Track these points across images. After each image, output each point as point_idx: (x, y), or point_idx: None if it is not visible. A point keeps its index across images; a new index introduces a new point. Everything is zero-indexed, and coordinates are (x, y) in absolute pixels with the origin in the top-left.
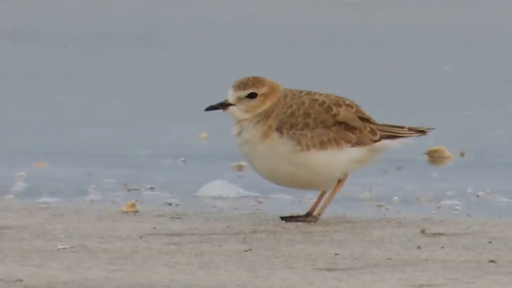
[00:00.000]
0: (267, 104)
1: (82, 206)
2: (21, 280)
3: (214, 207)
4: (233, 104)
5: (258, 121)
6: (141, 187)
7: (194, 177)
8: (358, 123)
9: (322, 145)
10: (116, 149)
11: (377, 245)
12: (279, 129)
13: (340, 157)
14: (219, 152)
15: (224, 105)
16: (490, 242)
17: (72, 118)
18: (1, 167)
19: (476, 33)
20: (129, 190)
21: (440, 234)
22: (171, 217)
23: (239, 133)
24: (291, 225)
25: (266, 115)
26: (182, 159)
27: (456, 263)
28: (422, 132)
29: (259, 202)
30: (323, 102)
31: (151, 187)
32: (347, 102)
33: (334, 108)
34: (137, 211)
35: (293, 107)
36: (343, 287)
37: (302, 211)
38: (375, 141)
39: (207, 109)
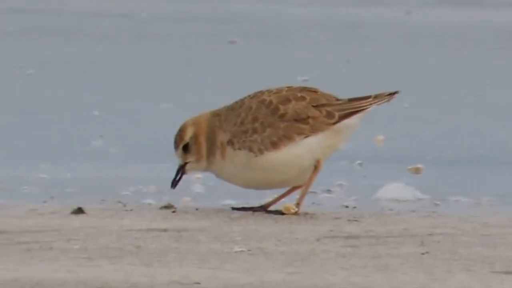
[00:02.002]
0: (201, 141)
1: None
2: (199, 283)
3: (391, 209)
4: (186, 163)
5: (214, 156)
6: (318, 189)
7: (371, 180)
8: (311, 113)
9: (274, 145)
10: None
11: None
12: (230, 142)
13: (297, 151)
14: (396, 155)
15: (182, 169)
16: None
17: None
18: None
19: None
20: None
21: None
22: (348, 220)
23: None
24: (468, 227)
25: (212, 144)
26: (359, 161)
27: None
28: (389, 96)
29: (436, 204)
30: (271, 102)
31: (328, 190)
32: (299, 94)
33: (281, 107)
34: (296, 213)
35: (242, 115)
36: None
37: (479, 214)
38: (334, 123)
39: (173, 186)
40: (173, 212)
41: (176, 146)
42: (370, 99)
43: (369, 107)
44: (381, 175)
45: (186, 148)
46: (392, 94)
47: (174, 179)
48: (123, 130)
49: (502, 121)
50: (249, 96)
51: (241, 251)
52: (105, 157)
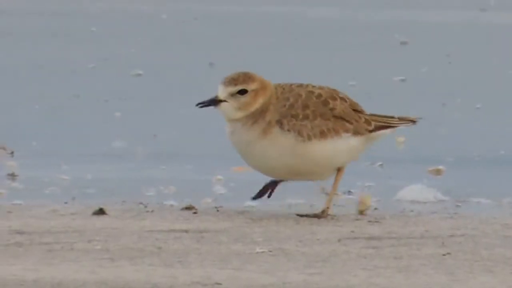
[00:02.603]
0: (258, 102)
1: (280, 210)
2: (220, 284)
3: (412, 211)
4: (224, 101)
5: (255, 122)
6: (339, 191)
7: (392, 181)
8: (353, 115)
9: (322, 134)
10: None
11: None
12: (279, 122)
13: (340, 146)
14: (417, 156)
15: (215, 102)
16: None
17: None
18: (200, 171)
19: None
20: (326, 193)
21: None
22: (369, 221)
23: (233, 133)
24: (489, 228)
25: (261, 113)
26: (380, 163)
27: None
28: (412, 121)
29: (457, 206)
30: (320, 95)
31: (349, 191)
32: (341, 95)
33: (330, 102)
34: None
35: (291, 100)
36: None
37: (500, 215)
38: (371, 131)
39: (198, 105)
40: (194, 213)
41: (237, 82)
42: (396, 119)
43: (399, 125)
44: (402, 176)
45: (241, 93)
46: (414, 120)
47: (205, 102)
48: (144, 132)
49: None
50: (293, 84)
51: (263, 252)
52: (126, 158)
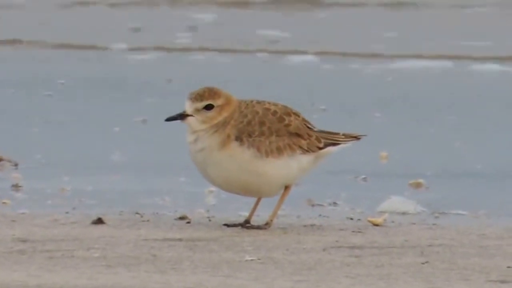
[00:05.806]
0: (223, 115)
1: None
2: None
3: (393, 222)
4: (191, 115)
5: (216, 131)
6: (324, 202)
7: (374, 194)
8: (306, 131)
9: (279, 151)
10: None
11: None
12: (238, 138)
13: (293, 165)
14: (398, 170)
15: (182, 116)
16: None
17: None
18: (193, 184)
19: None
20: (312, 205)
21: None
22: (353, 231)
23: (195, 141)
24: (466, 239)
25: (223, 125)
26: (363, 176)
27: None
28: (356, 138)
29: (436, 217)
30: (275, 112)
31: (334, 203)
32: (294, 111)
33: (286, 118)
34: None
35: (249, 117)
36: None
37: (476, 226)
38: (321, 148)
39: (167, 120)
40: (188, 223)
41: (202, 98)
42: (341, 136)
43: (348, 142)
44: (384, 189)
45: (208, 108)
46: (358, 137)
47: (173, 117)
48: (140, 146)
49: (496, 138)
50: (254, 100)
51: (252, 260)
52: (123, 171)
